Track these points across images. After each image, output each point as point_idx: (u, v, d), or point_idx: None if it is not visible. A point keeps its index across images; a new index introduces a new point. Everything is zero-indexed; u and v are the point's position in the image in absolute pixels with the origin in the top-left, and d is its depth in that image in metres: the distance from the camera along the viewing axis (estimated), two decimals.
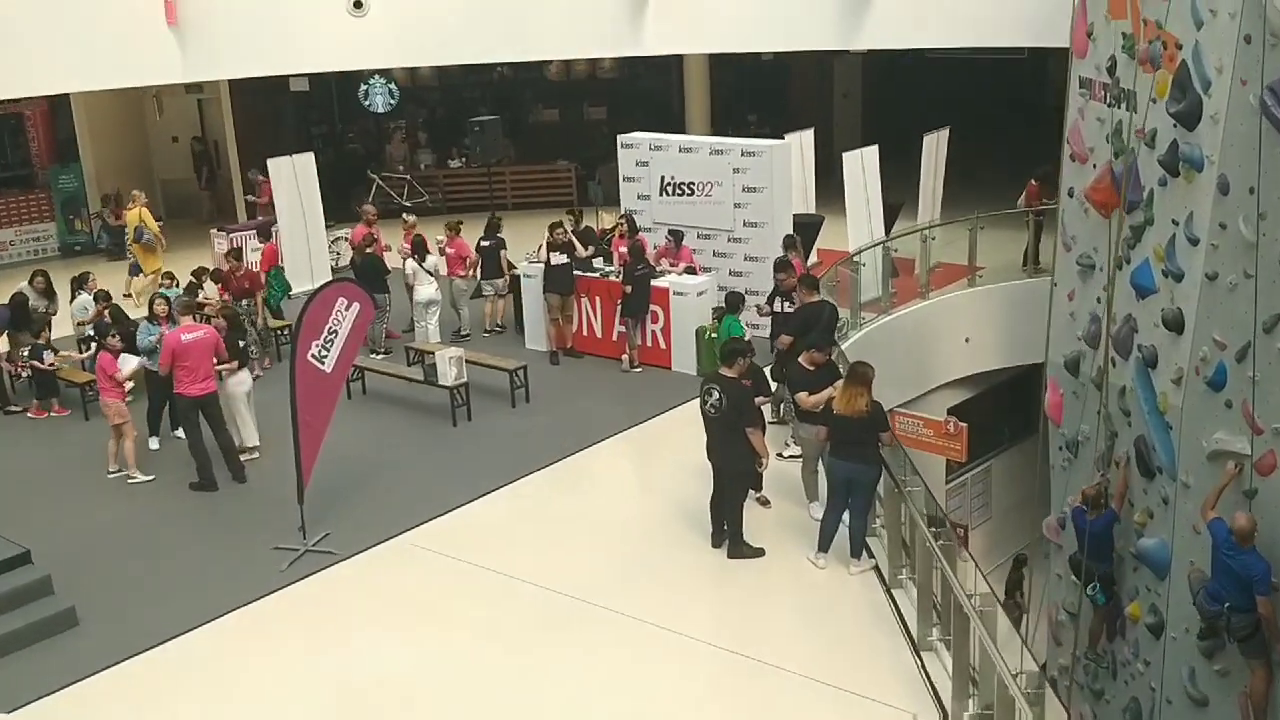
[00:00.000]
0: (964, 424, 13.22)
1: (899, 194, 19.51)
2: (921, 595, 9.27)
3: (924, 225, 18.29)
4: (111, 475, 12.92)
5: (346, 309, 11.12)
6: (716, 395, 10.34)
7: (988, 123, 25.04)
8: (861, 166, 17.72)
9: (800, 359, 11.09)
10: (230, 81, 23.63)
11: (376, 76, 24.66)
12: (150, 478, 12.89)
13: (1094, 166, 12.38)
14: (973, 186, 20.14)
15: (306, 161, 19.66)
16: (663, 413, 14.22)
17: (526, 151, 26.56)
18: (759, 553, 10.64)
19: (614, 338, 15.94)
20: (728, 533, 10.67)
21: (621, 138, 17.72)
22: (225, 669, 9.56)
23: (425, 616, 10.12)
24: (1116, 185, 11.56)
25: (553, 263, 15.62)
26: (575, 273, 15.91)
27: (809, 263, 16.59)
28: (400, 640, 9.77)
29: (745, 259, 16.41)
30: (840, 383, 11.06)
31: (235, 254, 16.51)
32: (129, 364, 13.02)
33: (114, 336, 13.02)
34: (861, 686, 8.75)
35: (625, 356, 15.57)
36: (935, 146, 18.84)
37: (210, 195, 25.14)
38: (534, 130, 27.42)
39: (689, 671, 9.21)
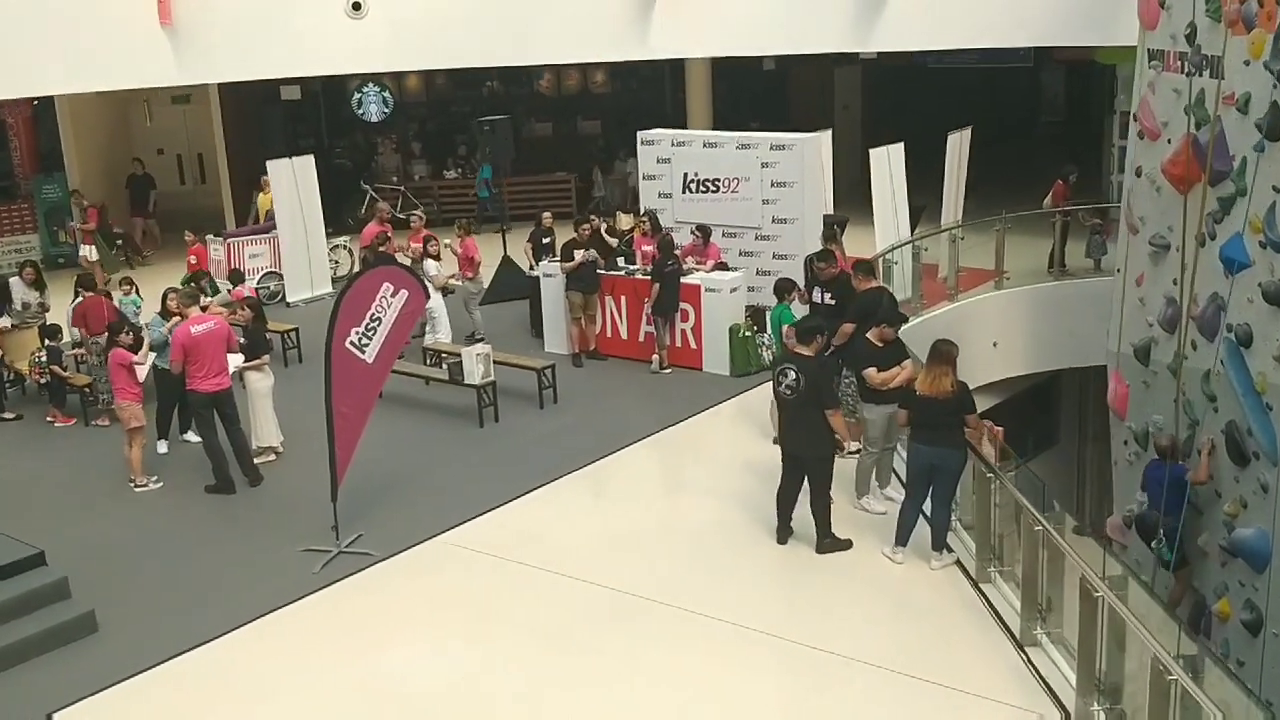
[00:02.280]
0: (999, 427, 12.59)
1: (916, 198, 18.97)
2: (1026, 586, 8.58)
3: (950, 226, 17.76)
4: (139, 489, 12.02)
5: (393, 295, 10.34)
6: (793, 375, 9.67)
7: (990, 132, 24.65)
8: (888, 163, 17.16)
9: (869, 334, 10.43)
10: (220, 91, 22.93)
11: (370, 85, 23.98)
12: (159, 484, 12.05)
13: (1169, 141, 11.84)
14: (973, 196, 19.63)
15: (306, 165, 18.91)
16: (698, 413, 13.55)
17: (522, 164, 25.91)
18: (847, 545, 9.97)
19: (640, 339, 15.24)
20: (816, 525, 9.96)
21: (642, 134, 17.10)
22: (263, 674, 8.75)
23: (480, 617, 9.35)
24: (1199, 157, 11.01)
25: (577, 260, 14.92)
26: (599, 271, 15.21)
27: None
28: (457, 641, 9.02)
29: (774, 257, 15.79)
30: (909, 362, 10.57)
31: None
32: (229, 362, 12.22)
33: (127, 333, 12.20)
34: (972, 685, 8.06)
35: (655, 357, 14.86)
36: (959, 146, 18.32)
37: (144, 224, 23.02)
38: (528, 144, 26.77)
39: (782, 669, 8.50)
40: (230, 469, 11.79)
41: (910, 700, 8.00)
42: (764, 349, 14.72)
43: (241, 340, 12.45)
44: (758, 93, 26.84)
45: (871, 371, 10.19)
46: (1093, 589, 7.44)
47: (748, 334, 14.61)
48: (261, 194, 20.54)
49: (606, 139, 26.97)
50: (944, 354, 9.47)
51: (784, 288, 12.54)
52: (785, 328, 10.88)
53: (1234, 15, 10.42)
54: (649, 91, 28.06)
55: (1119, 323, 12.64)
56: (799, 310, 12.75)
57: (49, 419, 14.00)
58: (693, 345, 14.90)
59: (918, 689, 8.08)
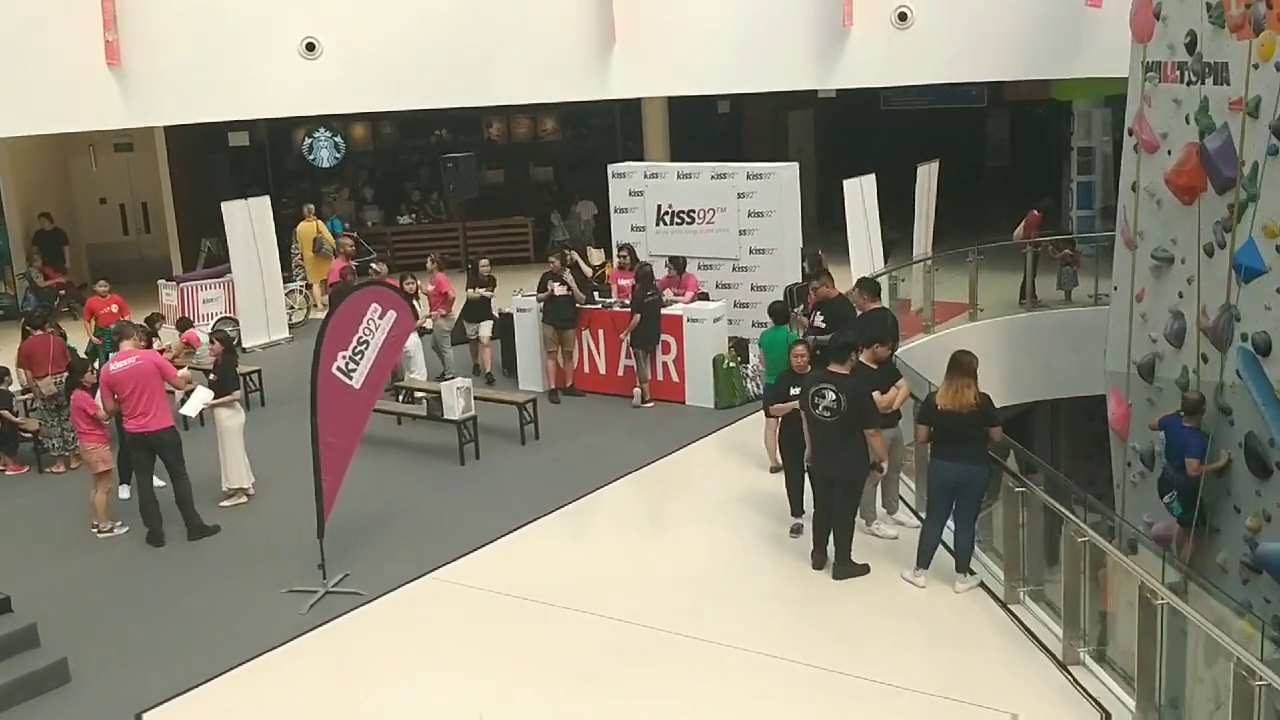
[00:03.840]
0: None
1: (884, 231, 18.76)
2: (1068, 601, 8.17)
3: (924, 258, 17.56)
4: (103, 535, 11.27)
5: (380, 317, 9.77)
6: (832, 395, 9.22)
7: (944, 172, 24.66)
8: (861, 194, 16.94)
9: (862, 357, 10.00)
10: (166, 137, 22.30)
11: (322, 130, 23.48)
12: (125, 529, 11.31)
13: (1169, 153, 11.66)
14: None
15: (262, 206, 18.32)
16: (684, 446, 13.07)
17: (476, 210, 25.50)
18: (865, 570, 9.53)
19: (619, 373, 14.77)
20: (835, 551, 9.51)
21: (613, 167, 16.73)
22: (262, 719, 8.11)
23: (486, 652, 8.76)
24: (1208, 166, 10.82)
25: (555, 293, 14.46)
26: (576, 306, 14.75)
27: None
28: (463, 679, 8.42)
29: (752, 288, 15.39)
30: (902, 382, 10.29)
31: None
32: (197, 399, 11.58)
33: (91, 371, 11.52)
34: (1022, 707, 7.60)
35: (636, 391, 14.38)
36: (927, 177, 18.18)
37: (57, 288, 21.13)
38: (481, 189, 26.35)
39: (820, 698, 7.98)
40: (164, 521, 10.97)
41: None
42: (748, 380, 14.34)
43: (211, 376, 11.83)
44: (713, 135, 26.65)
45: (877, 395, 9.77)
46: (1153, 596, 7.05)
47: (732, 365, 14.20)
48: (304, 222, 20.58)
49: (560, 184, 26.70)
50: (964, 365, 9.10)
51: (782, 311, 12.13)
52: (796, 347, 10.43)
53: (1239, 19, 10.29)
54: (599, 138, 27.94)
55: (1118, 342, 12.39)
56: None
57: None
58: (675, 378, 14.46)
59: (967, 713, 7.62)
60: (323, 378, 9.45)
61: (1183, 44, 11.29)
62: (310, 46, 19.52)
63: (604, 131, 29.02)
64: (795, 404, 9.88)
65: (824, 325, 11.91)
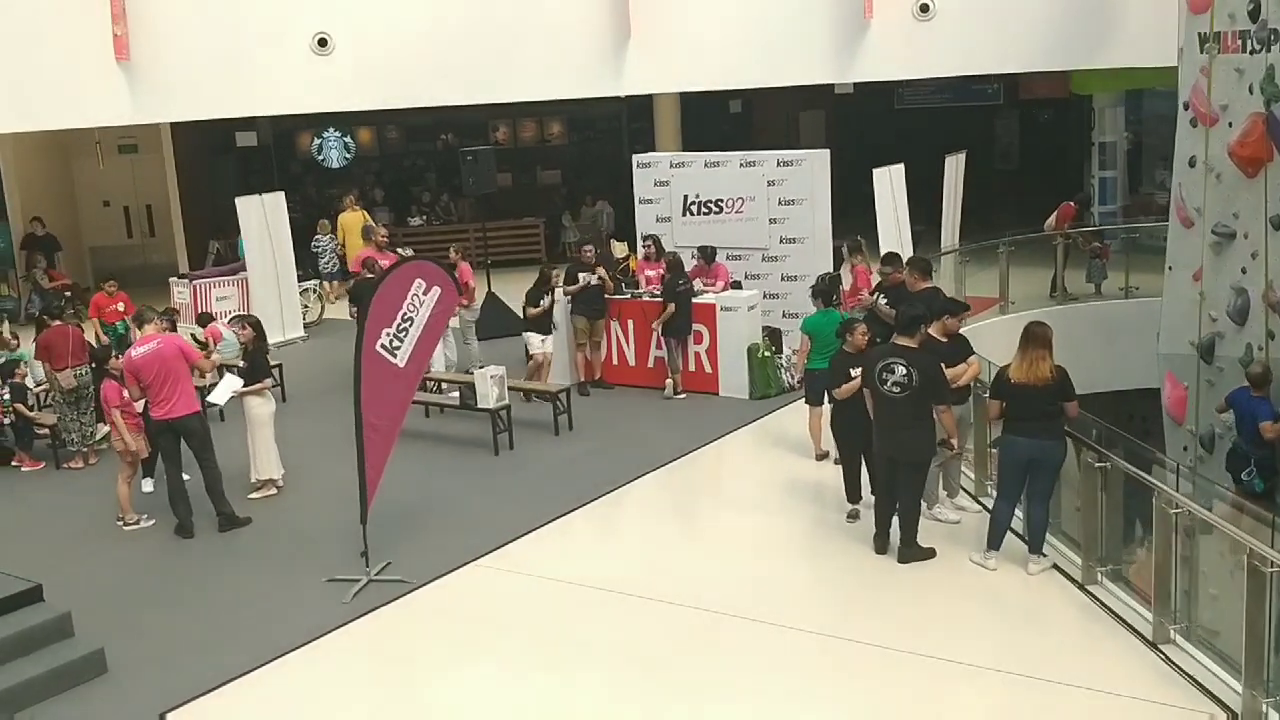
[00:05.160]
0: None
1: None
2: (1159, 576, 7.78)
3: (954, 249, 17.25)
4: (128, 528, 10.82)
5: (425, 293, 9.35)
6: (903, 370, 8.84)
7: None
8: (890, 183, 16.60)
9: (931, 330, 9.63)
10: (173, 137, 21.93)
11: (331, 130, 23.12)
12: (151, 522, 10.86)
13: (1230, 124, 11.35)
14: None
15: (277, 202, 17.93)
16: (722, 436, 12.69)
17: (486, 212, 25.14)
18: (931, 554, 9.15)
19: (650, 364, 14.39)
20: (901, 532, 9.14)
21: (637, 157, 16.39)
22: (311, 707, 7.68)
23: (546, 640, 8.36)
24: (1275, 135, 10.50)
25: (589, 284, 14.06)
26: (606, 296, 14.38)
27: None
28: (525, 665, 8.01)
29: (783, 279, 15.04)
30: (973, 358, 9.97)
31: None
32: (226, 386, 11.13)
33: (117, 358, 11.10)
34: (1118, 687, 7.24)
35: (668, 382, 14.00)
36: (955, 168, 17.86)
37: (61, 290, 19.93)
38: (487, 195, 25.98)
39: (903, 680, 7.57)
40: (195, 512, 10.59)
41: (1057, 705, 7.16)
42: (783, 370, 13.98)
43: (241, 363, 11.42)
44: (725, 136, 26.35)
45: (946, 369, 9.40)
46: (1262, 564, 6.68)
47: (766, 354, 13.83)
48: (348, 212, 20.67)
49: (569, 187, 26.41)
50: (1039, 336, 8.76)
51: (828, 289, 11.75)
52: (857, 325, 10.05)
53: None
54: (606, 141, 27.72)
55: (1174, 323, 12.05)
56: None
57: (15, 463, 12.76)
58: (707, 369, 14.08)
59: (1060, 693, 7.25)
60: (366, 355, 9.04)
61: (1245, 12, 10.99)
62: (322, 42, 19.16)
63: (611, 135, 28.81)
64: (857, 384, 9.55)
65: (890, 309, 11.56)
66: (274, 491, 11.42)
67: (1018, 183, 26.41)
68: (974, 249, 17.53)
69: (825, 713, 7.28)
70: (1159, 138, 23.58)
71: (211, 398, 11.28)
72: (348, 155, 23.02)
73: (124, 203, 23.78)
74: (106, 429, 11.34)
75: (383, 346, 9.13)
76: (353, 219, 20.58)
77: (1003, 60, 19.59)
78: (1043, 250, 18.43)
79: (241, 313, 17.47)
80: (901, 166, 16.98)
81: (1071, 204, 17.47)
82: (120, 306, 15.92)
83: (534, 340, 14.06)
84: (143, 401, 10.64)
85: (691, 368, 14.13)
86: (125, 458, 10.72)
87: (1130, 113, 22.69)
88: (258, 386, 11.15)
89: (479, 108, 22.99)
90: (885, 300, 11.53)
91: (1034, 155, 27.32)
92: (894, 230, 16.61)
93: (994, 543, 8.98)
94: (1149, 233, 19.97)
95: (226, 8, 18.63)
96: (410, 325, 9.27)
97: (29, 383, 13.00)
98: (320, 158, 22.92)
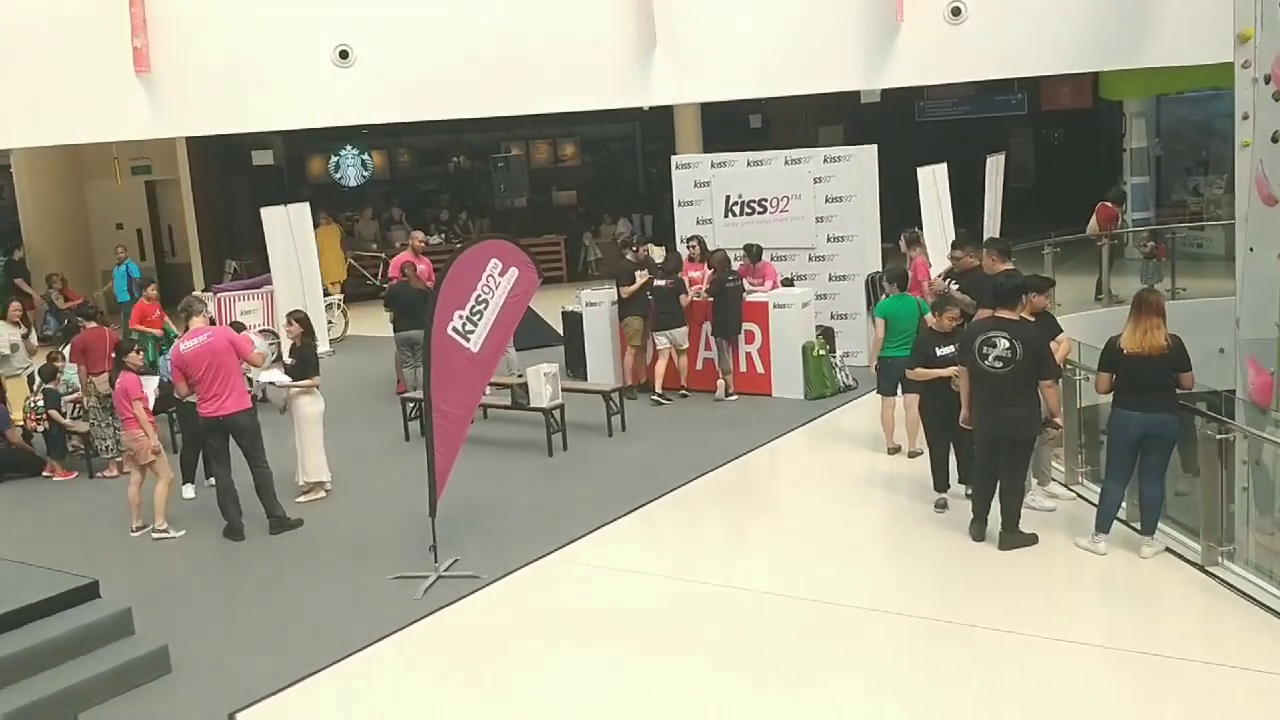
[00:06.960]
0: None
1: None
2: None
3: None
4: (134, 534, 10.28)
5: (501, 274, 8.85)
6: (1006, 343, 8.37)
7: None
8: (934, 182, 16.21)
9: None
10: (190, 156, 21.52)
11: (349, 148, 22.74)
12: (181, 533, 10.24)
13: None
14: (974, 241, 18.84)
15: (302, 213, 17.48)
16: (783, 434, 12.21)
17: (505, 230, 24.83)
18: (1033, 540, 8.66)
19: (698, 366, 13.90)
20: (1003, 517, 8.63)
21: (676, 158, 16.05)
22: (398, 703, 7.14)
23: (639, 635, 7.81)
24: None
25: (639, 282, 13.56)
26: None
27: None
28: (621, 658, 7.49)
29: (831, 279, 14.65)
30: (1063, 336, 9.56)
31: None
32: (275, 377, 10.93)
33: (137, 352, 10.60)
34: (1259, 664, 6.75)
35: (720, 384, 13.53)
36: (995, 169, 17.50)
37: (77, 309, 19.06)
38: (503, 215, 25.67)
39: (1028, 661, 7.06)
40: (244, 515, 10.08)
41: (1190, 682, 6.69)
42: (838, 370, 13.52)
43: (289, 360, 10.94)
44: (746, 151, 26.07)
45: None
46: None
47: (821, 353, 13.37)
48: (325, 226, 20.54)
49: (586, 207, 26.08)
50: (1153, 304, 8.27)
51: (899, 276, 11.32)
52: (948, 309, 9.63)
53: None
54: (620, 163, 27.50)
55: (1255, 307, 11.59)
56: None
57: (46, 473, 12.23)
58: (760, 369, 13.61)
59: (1199, 672, 6.76)
60: (437, 338, 8.55)
61: None
62: (344, 54, 18.74)
63: (626, 156, 28.58)
64: (938, 374, 9.14)
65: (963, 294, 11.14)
66: (322, 495, 10.91)
67: (1042, 193, 26.12)
68: (1020, 250, 17.11)
69: (951, 692, 6.77)
70: (1187, 143, 23.36)
71: (262, 376, 10.89)
72: (365, 173, 22.60)
73: (137, 225, 23.33)
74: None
75: (454, 330, 8.63)
76: (328, 234, 20.61)
77: (1037, 63, 19.22)
78: (1086, 253, 18.08)
79: (267, 326, 17.10)
80: (944, 165, 16.59)
81: (1108, 204, 17.08)
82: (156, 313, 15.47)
83: (659, 338, 13.54)
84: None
85: (743, 369, 13.66)
86: (139, 459, 10.15)
87: (1164, 119, 22.43)
88: (307, 383, 10.65)
89: (492, 129, 22.67)
90: (958, 286, 11.09)
91: (1058, 165, 27.04)
92: (939, 229, 16.19)
93: (1103, 526, 8.50)
94: (1191, 239, 19.68)
95: (246, 20, 18.22)
96: (485, 308, 8.75)
97: (60, 388, 12.47)
98: (338, 175, 22.51)
